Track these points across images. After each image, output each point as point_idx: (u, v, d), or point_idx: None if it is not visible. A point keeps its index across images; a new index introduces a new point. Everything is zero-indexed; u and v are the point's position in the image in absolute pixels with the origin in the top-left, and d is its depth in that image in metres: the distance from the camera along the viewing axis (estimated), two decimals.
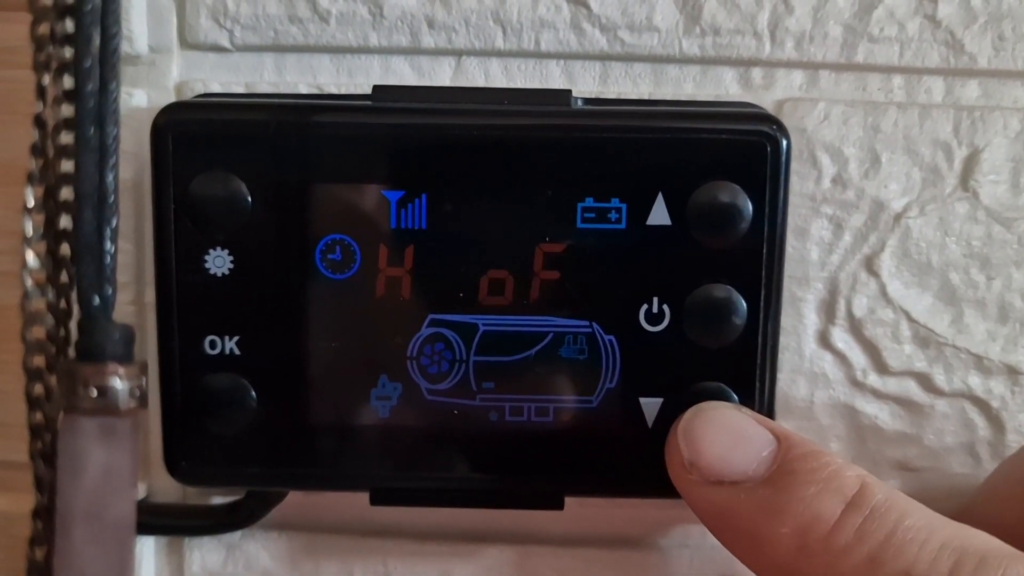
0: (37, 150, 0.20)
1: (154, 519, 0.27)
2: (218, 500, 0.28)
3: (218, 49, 0.26)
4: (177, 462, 0.25)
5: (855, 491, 0.20)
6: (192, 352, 0.24)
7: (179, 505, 0.28)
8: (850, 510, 0.20)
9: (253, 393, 0.24)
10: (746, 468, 0.22)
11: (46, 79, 0.19)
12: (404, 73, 0.26)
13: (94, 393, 0.19)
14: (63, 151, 0.19)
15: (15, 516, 0.29)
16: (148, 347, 0.26)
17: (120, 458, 0.20)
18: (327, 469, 0.25)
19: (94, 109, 0.19)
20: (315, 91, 0.26)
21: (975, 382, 0.27)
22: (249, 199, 0.23)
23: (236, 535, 0.28)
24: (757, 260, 0.24)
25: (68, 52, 0.19)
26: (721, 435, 0.22)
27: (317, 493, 0.28)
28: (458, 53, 0.26)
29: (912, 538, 0.19)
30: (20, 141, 0.30)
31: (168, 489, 0.28)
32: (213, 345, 0.24)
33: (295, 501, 0.27)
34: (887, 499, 0.20)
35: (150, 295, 0.26)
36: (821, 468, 0.21)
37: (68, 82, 0.19)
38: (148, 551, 0.28)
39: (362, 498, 0.25)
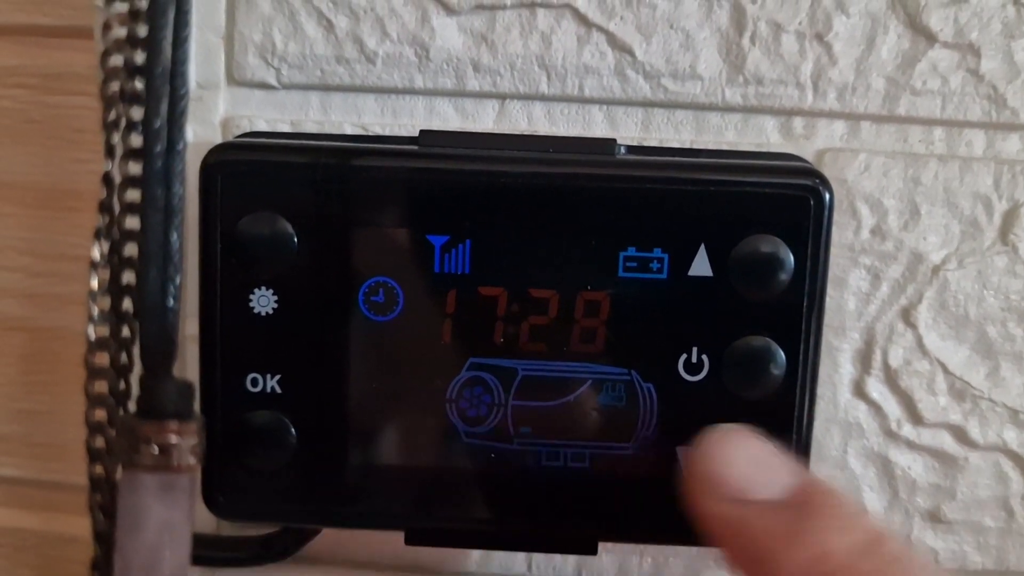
0: (105, 208, 0.20)
1: None
2: (251, 532, 0.28)
3: (265, 87, 0.26)
4: (215, 496, 0.25)
5: (875, 536, 0.20)
6: (234, 389, 0.24)
7: (213, 536, 0.28)
8: (868, 552, 0.20)
9: (293, 431, 0.24)
10: (770, 488, 0.21)
11: (115, 138, 0.19)
12: (448, 115, 0.26)
13: (155, 450, 0.20)
14: (129, 208, 0.20)
15: (52, 536, 0.30)
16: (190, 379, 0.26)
17: (178, 513, 0.20)
18: (363, 508, 0.25)
19: (161, 170, 0.19)
20: (360, 131, 0.26)
21: (1010, 436, 0.27)
22: (295, 240, 0.24)
23: (268, 568, 0.28)
24: (797, 313, 0.24)
25: (137, 112, 0.19)
26: (749, 455, 0.22)
27: (352, 530, 0.28)
28: (502, 97, 0.26)
29: None
30: (64, 166, 0.30)
31: (202, 519, 0.28)
32: (255, 383, 0.24)
33: (329, 537, 0.27)
34: (903, 551, 0.20)
35: (192, 327, 0.26)
36: (846, 505, 0.21)
37: (136, 140, 0.19)
38: None
39: (396, 536, 0.26)
